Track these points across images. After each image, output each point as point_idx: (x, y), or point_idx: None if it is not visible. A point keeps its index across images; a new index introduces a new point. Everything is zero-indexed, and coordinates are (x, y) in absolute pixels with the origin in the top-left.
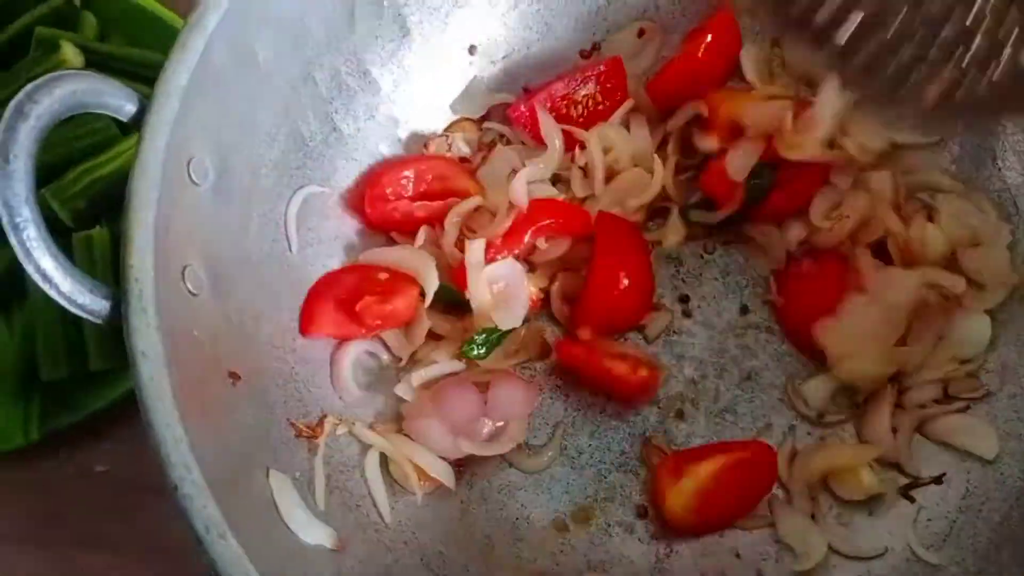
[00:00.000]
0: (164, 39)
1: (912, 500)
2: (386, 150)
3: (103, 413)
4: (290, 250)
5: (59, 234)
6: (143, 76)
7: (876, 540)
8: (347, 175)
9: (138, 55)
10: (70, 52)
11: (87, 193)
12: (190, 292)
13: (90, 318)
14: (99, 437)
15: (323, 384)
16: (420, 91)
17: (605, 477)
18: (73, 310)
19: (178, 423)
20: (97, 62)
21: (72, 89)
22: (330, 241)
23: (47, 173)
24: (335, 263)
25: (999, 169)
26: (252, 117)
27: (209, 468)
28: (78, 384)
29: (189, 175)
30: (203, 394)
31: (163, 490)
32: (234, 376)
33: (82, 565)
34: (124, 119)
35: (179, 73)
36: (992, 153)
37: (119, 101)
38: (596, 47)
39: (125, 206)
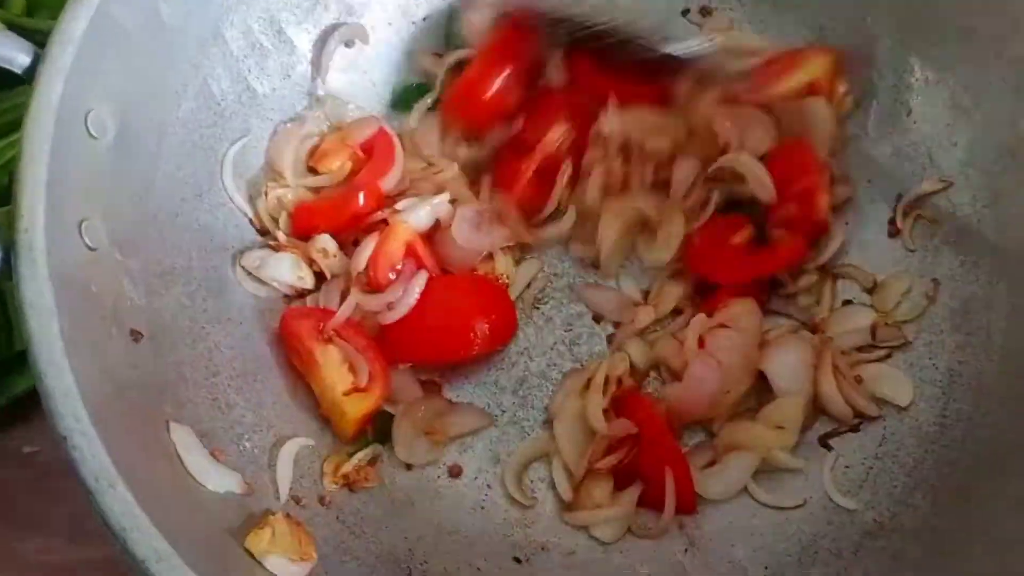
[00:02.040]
0: None
1: (829, 448)
2: (303, 109)
3: (31, 394)
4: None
5: None
6: None
7: (795, 491)
8: (262, 134)
9: None
10: None
11: (9, 168)
12: (88, 246)
13: None
14: (27, 419)
15: (236, 344)
16: (338, 51)
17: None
18: None
19: (68, 373)
20: (25, 38)
21: None
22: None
23: None
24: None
25: (914, 123)
26: (157, 73)
27: (102, 420)
28: (4, 366)
29: (87, 128)
30: (100, 348)
31: None
32: (136, 334)
33: (10, 547)
34: (18, 71)
35: (75, 23)
36: (907, 108)
37: (12, 52)
38: None
39: (17, 156)
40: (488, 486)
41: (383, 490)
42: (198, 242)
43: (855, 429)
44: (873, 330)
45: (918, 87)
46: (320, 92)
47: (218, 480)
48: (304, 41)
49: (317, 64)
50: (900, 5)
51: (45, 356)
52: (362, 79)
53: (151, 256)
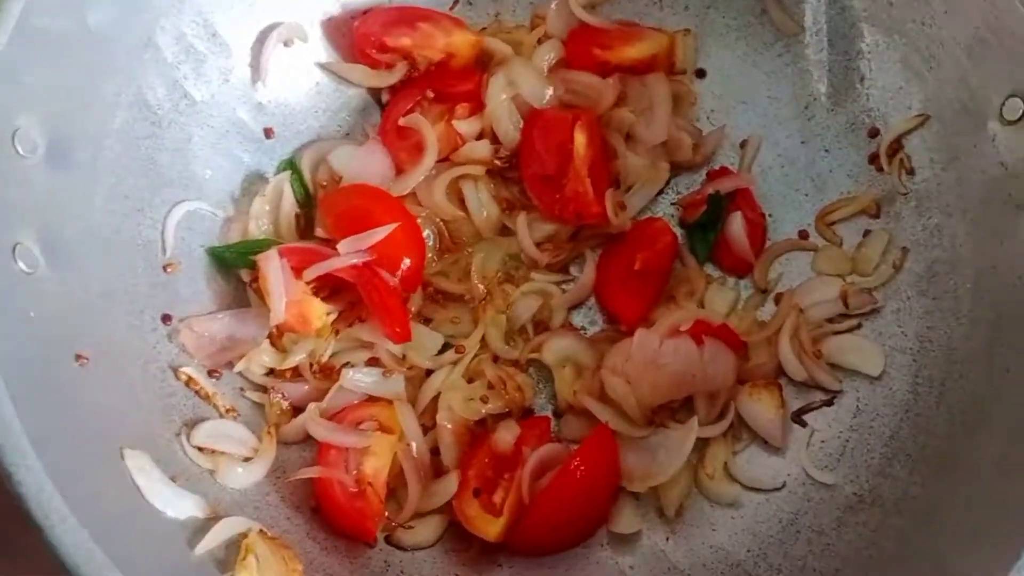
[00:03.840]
0: None
1: (804, 424)
2: (245, 115)
3: None
4: (163, 252)
5: None
6: None
7: (775, 471)
8: (203, 143)
9: None
10: None
11: None
12: (23, 271)
13: None
14: None
15: (191, 364)
16: (278, 51)
17: None
18: None
19: (7, 404)
20: None
21: None
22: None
23: None
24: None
25: (866, 88)
26: (88, 84)
27: (49, 452)
28: None
29: (14, 146)
30: (42, 376)
31: None
32: (81, 358)
33: None
34: None
35: None
36: (860, 74)
37: None
38: (457, 0)
39: None
40: None
41: None
42: (143, 258)
43: (829, 403)
44: (844, 298)
45: (869, 52)
46: (260, 98)
47: (179, 505)
48: (241, 43)
49: (256, 66)
50: None
51: None
52: (305, 79)
53: (93, 275)
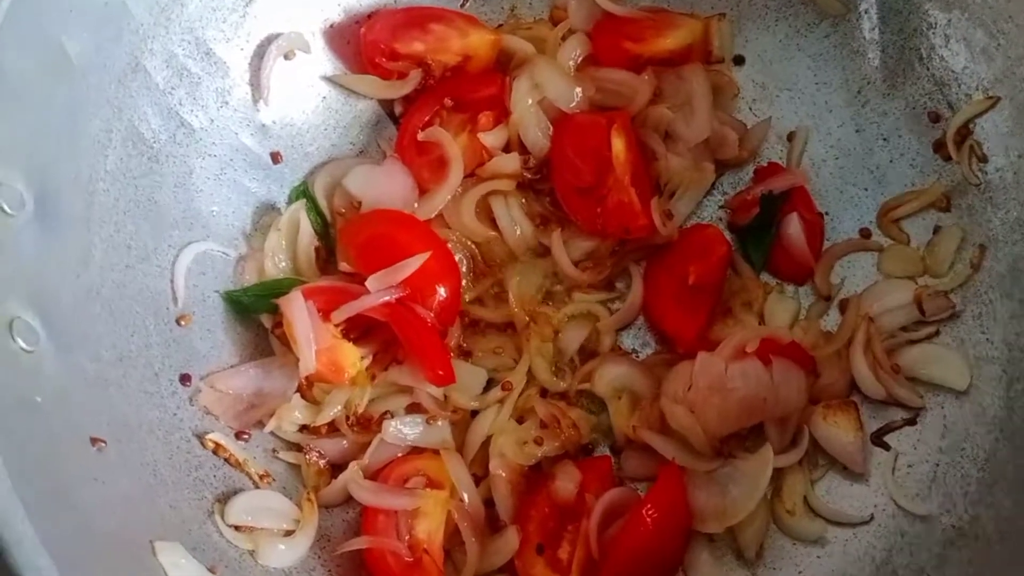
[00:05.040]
0: None
1: (887, 447)
2: (249, 139)
3: None
4: (175, 303)
5: None
6: None
7: (860, 502)
8: (206, 175)
9: None
10: None
11: None
12: (23, 349)
13: None
14: None
15: (217, 427)
16: (278, 65)
17: None
18: None
19: (23, 518)
20: None
21: None
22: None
23: None
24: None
25: (926, 69)
26: (73, 125)
27: (70, 561)
28: None
29: None
30: (56, 473)
31: None
32: (98, 442)
33: None
34: None
35: None
36: (918, 54)
37: None
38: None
39: None
40: None
41: None
42: (153, 312)
43: (911, 422)
44: (918, 302)
45: (928, 29)
46: (263, 119)
47: None
48: (238, 60)
49: (256, 84)
50: None
51: None
52: (310, 95)
53: (100, 341)
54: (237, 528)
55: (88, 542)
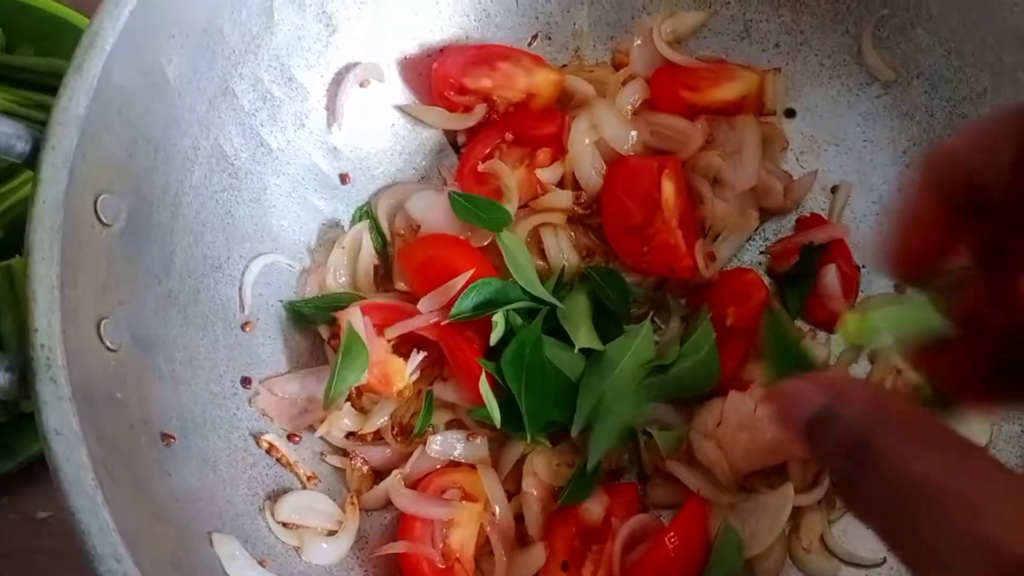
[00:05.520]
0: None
1: None
2: (321, 160)
3: (41, 457)
4: (241, 311)
5: None
6: (54, 87)
7: (874, 544)
8: (279, 192)
9: (47, 64)
10: None
11: (2, 220)
12: (108, 348)
13: None
14: (38, 482)
15: (271, 428)
16: (353, 92)
17: None
18: None
19: (103, 507)
20: (5, 75)
21: None
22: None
23: None
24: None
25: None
26: (167, 141)
27: (144, 551)
28: (14, 429)
29: (98, 216)
30: (133, 465)
31: None
32: (168, 437)
33: None
34: (18, 160)
35: (76, 101)
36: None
37: (8, 141)
38: (536, 36)
39: (25, 261)
40: None
41: None
42: (222, 318)
43: None
44: None
45: (977, 97)
46: (335, 142)
47: None
48: (317, 86)
49: (332, 109)
50: None
51: (75, 489)
52: (381, 122)
53: (175, 344)
54: (285, 525)
55: (159, 533)
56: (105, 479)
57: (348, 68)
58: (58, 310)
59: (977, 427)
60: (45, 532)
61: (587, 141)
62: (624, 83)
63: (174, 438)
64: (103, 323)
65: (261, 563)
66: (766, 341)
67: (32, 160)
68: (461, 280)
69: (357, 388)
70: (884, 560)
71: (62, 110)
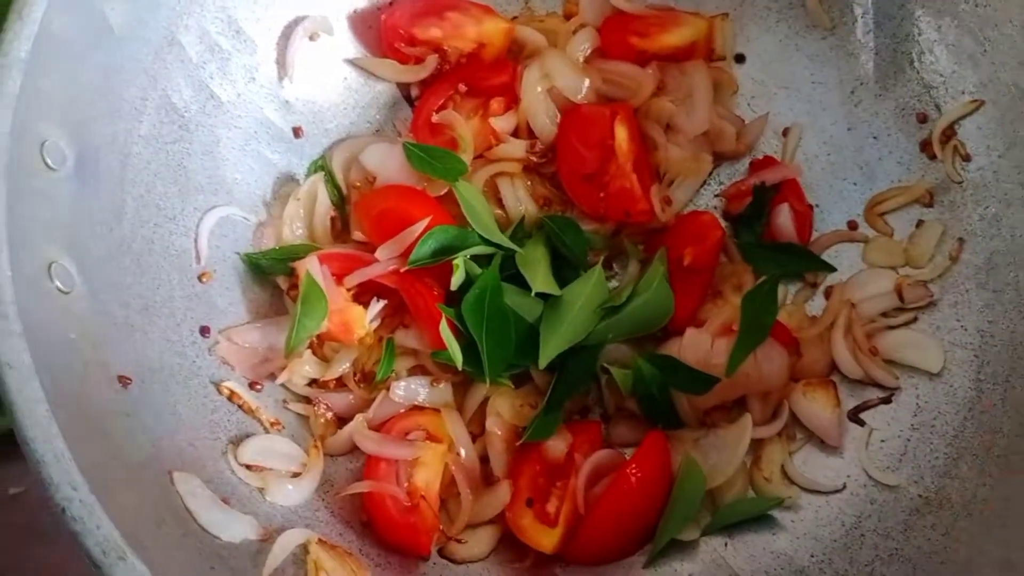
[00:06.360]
0: None
1: (862, 423)
2: (273, 114)
3: (11, 434)
4: (197, 262)
5: None
6: None
7: (834, 472)
8: (231, 145)
9: None
10: None
11: None
12: (60, 290)
13: None
14: (9, 458)
15: (232, 376)
16: (303, 46)
17: None
18: None
19: (57, 436)
20: None
21: None
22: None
23: None
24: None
25: (916, 73)
26: (112, 89)
27: (101, 484)
28: None
29: (44, 160)
30: (87, 402)
31: None
32: (124, 380)
33: None
34: None
35: (16, 44)
36: (909, 58)
37: None
38: None
39: None
40: None
41: None
42: (178, 268)
43: (886, 401)
44: (899, 291)
45: (919, 35)
46: (287, 95)
47: (234, 529)
48: (266, 39)
49: (282, 63)
50: None
51: (30, 420)
52: (332, 75)
53: (129, 291)
54: (248, 467)
55: (116, 468)
56: (60, 414)
57: (297, 21)
58: (5, 248)
59: (932, 355)
60: (17, 508)
61: (539, 89)
62: (574, 32)
63: (131, 380)
64: (52, 266)
65: (224, 500)
66: None
67: None
68: (419, 227)
69: (318, 336)
70: (844, 486)
71: (4, 54)
